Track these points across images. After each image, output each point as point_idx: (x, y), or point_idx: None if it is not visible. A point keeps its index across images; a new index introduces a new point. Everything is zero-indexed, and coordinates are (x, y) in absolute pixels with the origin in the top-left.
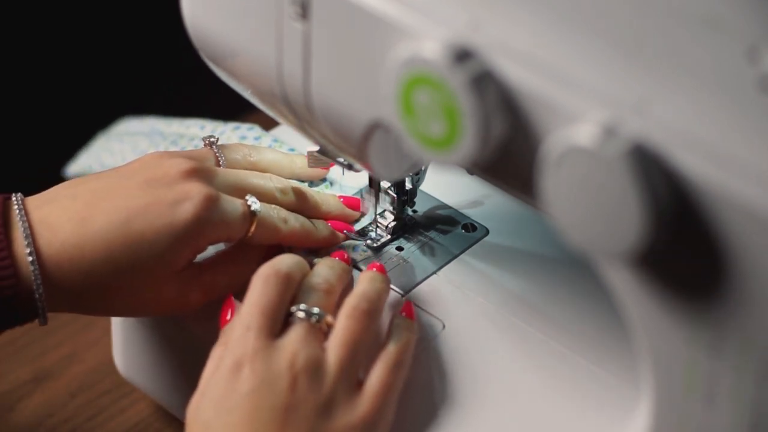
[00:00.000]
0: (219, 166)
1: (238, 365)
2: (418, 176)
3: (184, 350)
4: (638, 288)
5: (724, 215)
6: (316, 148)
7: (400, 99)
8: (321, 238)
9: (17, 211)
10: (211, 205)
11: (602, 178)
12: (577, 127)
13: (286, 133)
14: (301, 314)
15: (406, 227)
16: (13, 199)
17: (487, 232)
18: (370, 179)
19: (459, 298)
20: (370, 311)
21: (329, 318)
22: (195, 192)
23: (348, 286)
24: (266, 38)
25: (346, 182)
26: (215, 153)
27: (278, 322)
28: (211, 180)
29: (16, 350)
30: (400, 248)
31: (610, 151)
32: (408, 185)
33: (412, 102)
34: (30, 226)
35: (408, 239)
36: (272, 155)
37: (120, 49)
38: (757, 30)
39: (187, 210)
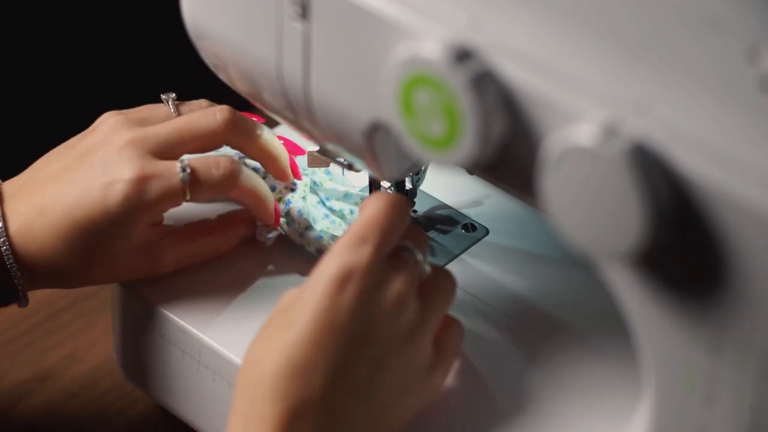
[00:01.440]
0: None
1: (348, 274)
2: (418, 176)
3: (184, 351)
4: (638, 288)
5: (725, 215)
6: (316, 148)
7: (400, 99)
8: (265, 202)
9: None
10: (139, 187)
11: (602, 178)
12: (577, 127)
13: (286, 132)
14: (416, 256)
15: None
16: None
17: (487, 232)
18: (370, 179)
19: (459, 298)
20: (401, 201)
21: (429, 268)
22: (125, 174)
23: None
24: (266, 38)
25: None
26: (171, 111)
27: (389, 248)
28: (146, 148)
29: (16, 350)
30: None
31: (611, 151)
32: (408, 185)
33: (412, 102)
34: (3, 214)
35: None
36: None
37: (120, 49)
38: (757, 30)
39: (116, 195)
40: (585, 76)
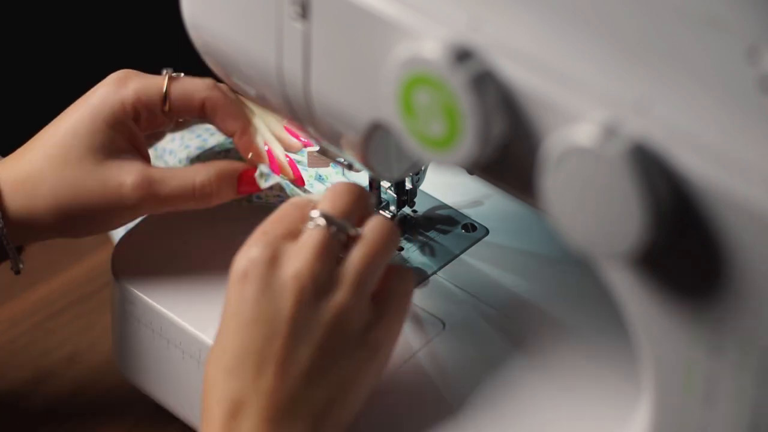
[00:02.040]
0: (165, 101)
1: (244, 272)
2: (418, 176)
3: (184, 351)
4: (638, 288)
5: (725, 215)
6: (316, 147)
7: (400, 99)
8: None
9: None
10: (123, 80)
11: (602, 178)
12: (577, 127)
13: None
14: (320, 220)
15: (406, 224)
16: None
17: (487, 232)
18: (370, 179)
19: (459, 298)
20: (396, 232)
21: (352, 231)
22: (105, 81)
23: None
24: (266, 38)
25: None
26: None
27: (297, 229)
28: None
29: (16, 350)
30: (400, 248)
31: (611, 151)
32: (408, 185)
33: (412, 102)
34: None
35: (408, 239)
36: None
37: (119, 49)
38: (757, 30)
39: (101, 92)
40: (585, 76)
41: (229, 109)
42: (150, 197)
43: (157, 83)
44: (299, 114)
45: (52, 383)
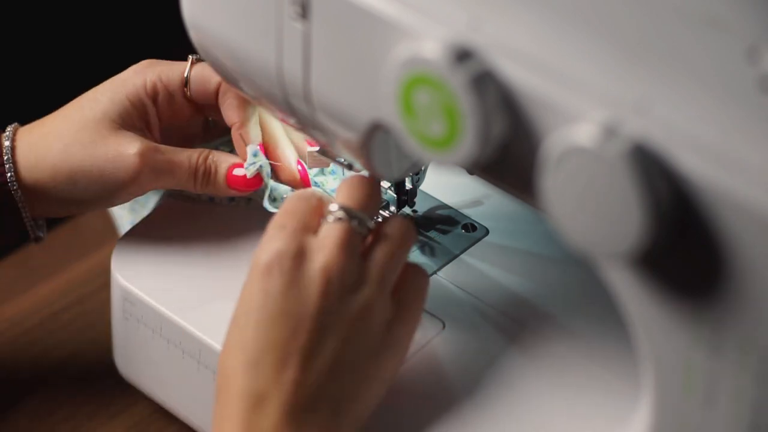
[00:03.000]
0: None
1: (268, 266)
2: (418, 176)
3: (184, 351)
4: (638, 288)
5: (725, 215)
6: (316, 148)
7: (400, 99)
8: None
9: (7, 141)
10: (141, 67)
11: (602, 178)
12: (577, 127)
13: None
14: (340, 213)
15: None
16: (7, 132)
17: (487, 232)
18: None
19: (459, 298)
20: (414, 231)
21: (372, 223)
22: (128, 70)
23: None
24: (266, 38)
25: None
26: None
27: (314, 224)
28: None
29: (16, 350)
30: None
31: (611, 151)
32: (408, 185)
33: (412, 102)
34: (13, 154)
35: None
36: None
37: (119, 49)
38: (757, 30)
39: (121, 77)
40: (585, 76)
41: (237, 98)
42: (150, 165)
43: (180, 68)
44: (299, 114)
45: (52, 383)
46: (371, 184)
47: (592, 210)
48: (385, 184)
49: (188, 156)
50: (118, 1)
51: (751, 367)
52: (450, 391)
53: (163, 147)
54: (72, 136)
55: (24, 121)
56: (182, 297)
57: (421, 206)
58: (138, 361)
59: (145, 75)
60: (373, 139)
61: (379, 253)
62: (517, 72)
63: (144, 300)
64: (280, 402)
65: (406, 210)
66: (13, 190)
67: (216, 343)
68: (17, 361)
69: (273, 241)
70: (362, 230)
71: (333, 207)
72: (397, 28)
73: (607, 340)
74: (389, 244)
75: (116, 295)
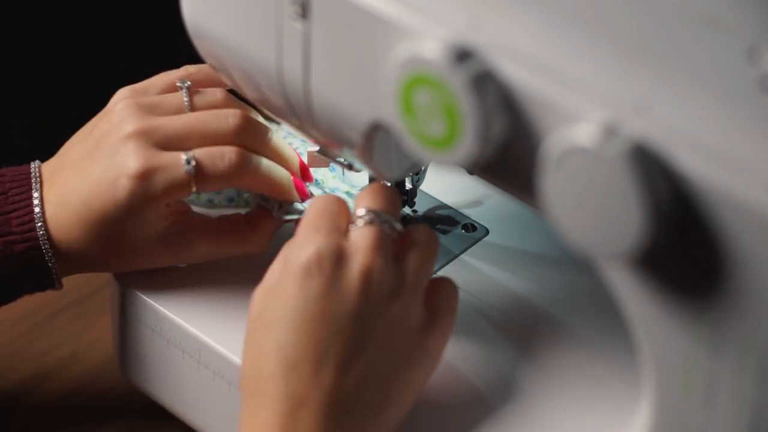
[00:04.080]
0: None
1: (307, 267)
2: (418, 176)
3: (184, 351)
4: (638, 288)
5: (725, 215)
6: (316, 148)
7: (400, 99)
8: (281, 185)
9: (34, 183)
10: (144, 181)
11: (602, 178)
12: (577, 127)
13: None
14: (369, 216)
15: (406, 224)
16: (32, 169)
17: (487, 232)
18: (370, 179)
19: (459, 298)
20: (439, 240)
21: (399, 226)
22: (129, 168)
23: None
24: (266, 38)
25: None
26: (184, 100)
27: (345, 226)
28: (152, 140)
29: (16, 350)
30: None
31: (611, 151)
32: (408, 185)
33: (412, 102)
34: (41, 200)
35: None
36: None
37: (119, 49)
38: (757, 30)
39: (123, 189)
40: (585, 76)
41: (264, 186)
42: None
43: (180, 176)
44: (299, 114)
45: (52, 383)
46: (391, 191)
47: (592, 210)
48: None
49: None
50: (118, 1)
51: (751, 367)
52: (450, 391)
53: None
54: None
55: (27, 123)
56: (182, 297)
57: (421, 206)
58: (138, 361)
59: (148, 199)
60: (373, 139)
61: (413, 259)
62: (517, 72)
63: (144, 300)
64: (319, 404)
65: (406, 210)
66: (44, 244)
67: (216, 343)
68: (17, 361)
69: (309, 243)
70: (392, 233)
71: (361, 211)
72: (397, 28)
73: (607, 340)
74: (420, 250)
75: (116, 294)
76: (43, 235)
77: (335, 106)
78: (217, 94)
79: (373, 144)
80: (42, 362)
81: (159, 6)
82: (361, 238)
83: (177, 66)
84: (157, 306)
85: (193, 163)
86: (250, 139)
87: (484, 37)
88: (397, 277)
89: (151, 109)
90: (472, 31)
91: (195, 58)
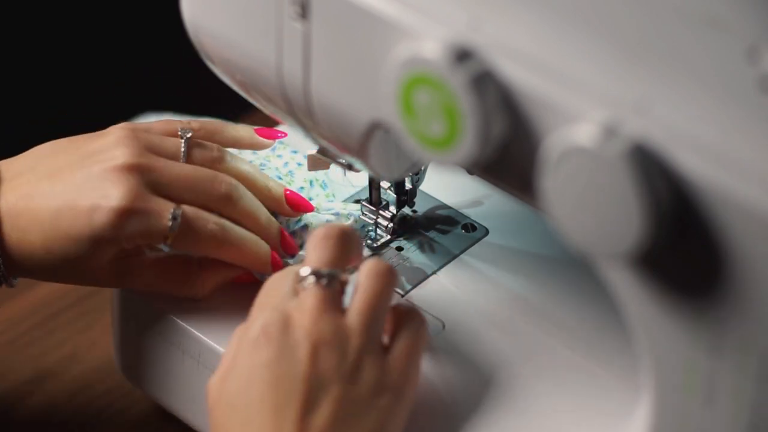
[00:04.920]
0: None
1: (256, 340)
2: (418, 176)
3: (184, 351)
4: (638, 288)
5: (725, 215)
6: (316, 149)
7: (400, 99)
8: (258, 260)
9: None
10: (124, 218)
11: (602, 178)
12: (577, 127)
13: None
14: (311, 278)
15: (406, 224)
16: None
17: (487, 232)
18: (370, 179)
19: (459, 298)
20: (391, 270)
21: (343, 276)
22: (116, 199)
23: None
24: (266, 38)
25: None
26: (181, 148)
27: (293, 293)
28: (146, 179)
29: (16, 350)
30: (400, 248)
31: (611, 151)
32: (408, 185)
33: (412, 102)
34: None
35: (408, 239)
36: (245, 168)
37: (119, 50)
38: (757, 30)
39: (101, 218)
40: (585, 76)
41: (239, 258)
42: (148, 288)
43: (160, 227)
44: (299, 114)
45: (52, 383)
46: (335, 234)
47: (591, 210)
48: (385, 184)
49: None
50: (118, 1)
51: (750, 367)
52: (449, 391)
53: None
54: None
55: (27, 121)
56: (182, 298)
57: (421, 206)
58: (138, 362)
59: (119, 238)
60: (373, 139)
61: (355, 305)
62: (517, 72)
63: (144, 300)
64: None
65: (406, 210)
66: None
67: (216, 343)
68: (17, 361)
69: (257, 319)
70: (336, 285)
71: (303, 272)
72: (397, 28)
73: (607, 340)
74: (364, 292)
75: (116, 295)
76: None
77: (335, 106)
78: (214, 151)
79: (373, 144)
80: (42, 362)
81: (159, 6)
82: (304, 301)
83: (177, 65)
84: (157, 306)
85: (179, 220)
86: (237, 211)
87: (484, 37)
88: (343, 327)
89: (149, 147)
90: (472, 31)
91: (195, 58)
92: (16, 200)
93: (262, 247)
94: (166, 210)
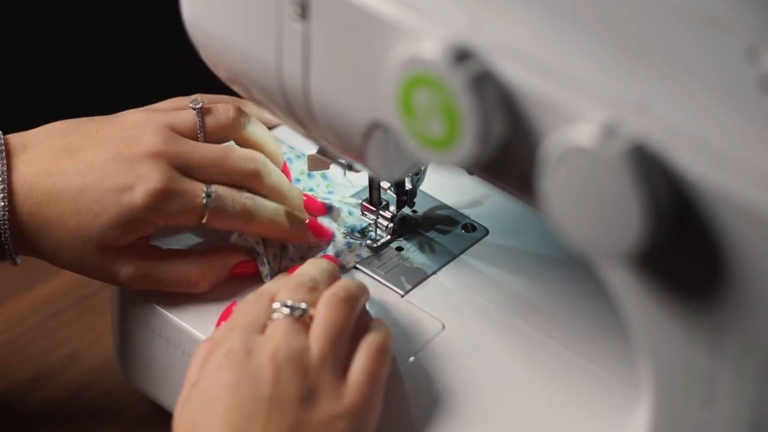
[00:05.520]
0: (198, 135)
1: (219, 363)
2: (418, 176)
3: (184, 350)
4: (638, 288)
5: (724, 215)
6: (316, 149)
7: (400, 99)
8: (291, 233)
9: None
10: (159, 199)
11: (602, 178)
12: (577, 127)
13: (286, 133)
14: (285, 310)
15: (406, 224)
16: None
17: (487, 232)
18: (370, 179)
19: (459, 298)
20: (348, 298)
21: (312, 310)
22: (151, 182)
23: None
24: (266, 38)
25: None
26: (196, 118)
27: (262, 322)
28: (176, 164)
29: (16, 350)
30: (400, 248)
31: (610, 151)
32: (408, 185)
33: (412, 102)
34: (9, 169)
35: (408, 239)
36: (261, 133)
37: (119, 50)
38: (757, 30)
39: (134, 198)
40: (585, 76)
41: (276, 233)
42: (143, 282)
43: (196, 205)
44: (299, 114)
45: (52, 383)
46: (307, 276)
47: (591, 210)
48: (385, 184)
49: (186, 273)
50: (118, 1)
51: (750, 368)
52: (450, 391)
53: (156, 264)
54: (61, 245)
55: (27, 121)
56: (182, 297)
57: (421, 206)
58: (138, 362)
59: (153, 216)
60: (373, 139)
61: (312, 336)
62: (517, 72)
63: (144, 300)
64: None
65: (406, 210)
66: (2, 217)
67: None
68: (17, 361)
69: (223, 343)
70: (305, 318)
71: (275, 305)
72: (397, 28)
73: (607, 340)
74: (318, 323)
75: (116, 295)
76: (4, 206)
77: (335, 107)
78: (230, 112)
79: (373, 144)
80: (42, 362)
81: (159, 6)
82: (271, 330)
83: (177, 65)
84: (157, 306)
85: (213, 197)
86: (264, 186)
87: (483, 37)
88: (305, 352)
89: (170, 126)
90: (471, 31)
91: (195, 58)
92: (30, 175)
93: (296, 217)
94: (199, 189)
